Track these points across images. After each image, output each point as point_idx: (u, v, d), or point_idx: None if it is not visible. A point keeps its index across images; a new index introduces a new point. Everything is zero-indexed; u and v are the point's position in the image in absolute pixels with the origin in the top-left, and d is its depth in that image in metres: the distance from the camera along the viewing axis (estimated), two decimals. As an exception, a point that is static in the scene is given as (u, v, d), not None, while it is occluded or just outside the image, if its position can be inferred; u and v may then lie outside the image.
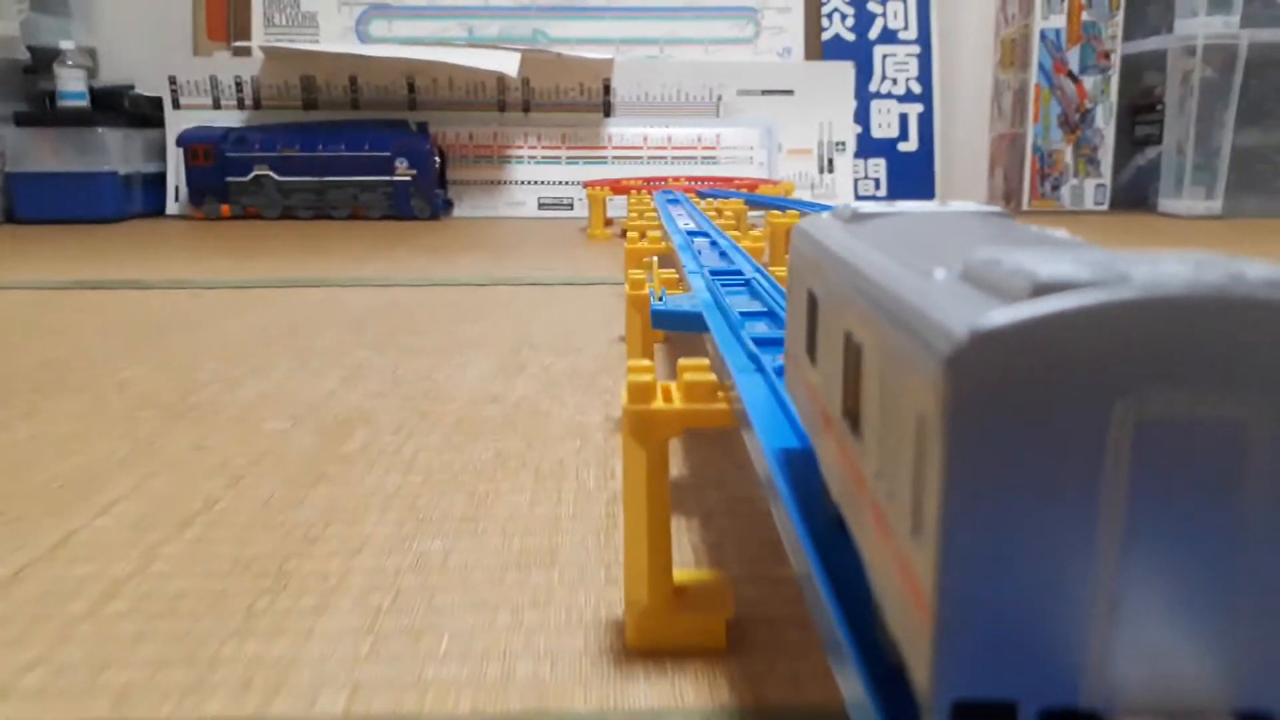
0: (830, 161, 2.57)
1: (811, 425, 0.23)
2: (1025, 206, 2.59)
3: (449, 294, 1.28)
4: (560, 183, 2.54)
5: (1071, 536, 0.12)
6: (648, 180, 2.24)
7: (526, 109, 2.56)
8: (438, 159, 2.44)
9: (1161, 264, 0.13)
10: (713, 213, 1.24)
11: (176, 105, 2.53)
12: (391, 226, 2.27)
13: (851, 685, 0.17)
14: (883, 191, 2.69)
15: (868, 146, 2.68)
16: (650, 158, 2.54)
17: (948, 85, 2.73)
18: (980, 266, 0.14)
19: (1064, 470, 0.12)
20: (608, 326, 1.06)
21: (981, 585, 0.12)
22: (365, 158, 2.37)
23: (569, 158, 2.55)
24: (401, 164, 2.37)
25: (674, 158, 2.54)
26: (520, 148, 2.55)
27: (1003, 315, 0.12)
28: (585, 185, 2.08)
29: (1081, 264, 0.13)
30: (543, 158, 2.55)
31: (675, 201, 1.50)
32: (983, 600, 0.12)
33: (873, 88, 2.70)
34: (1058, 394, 0.12)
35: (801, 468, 0.25)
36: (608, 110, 2.56)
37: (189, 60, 2.56)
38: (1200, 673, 0.12)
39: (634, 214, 1.31)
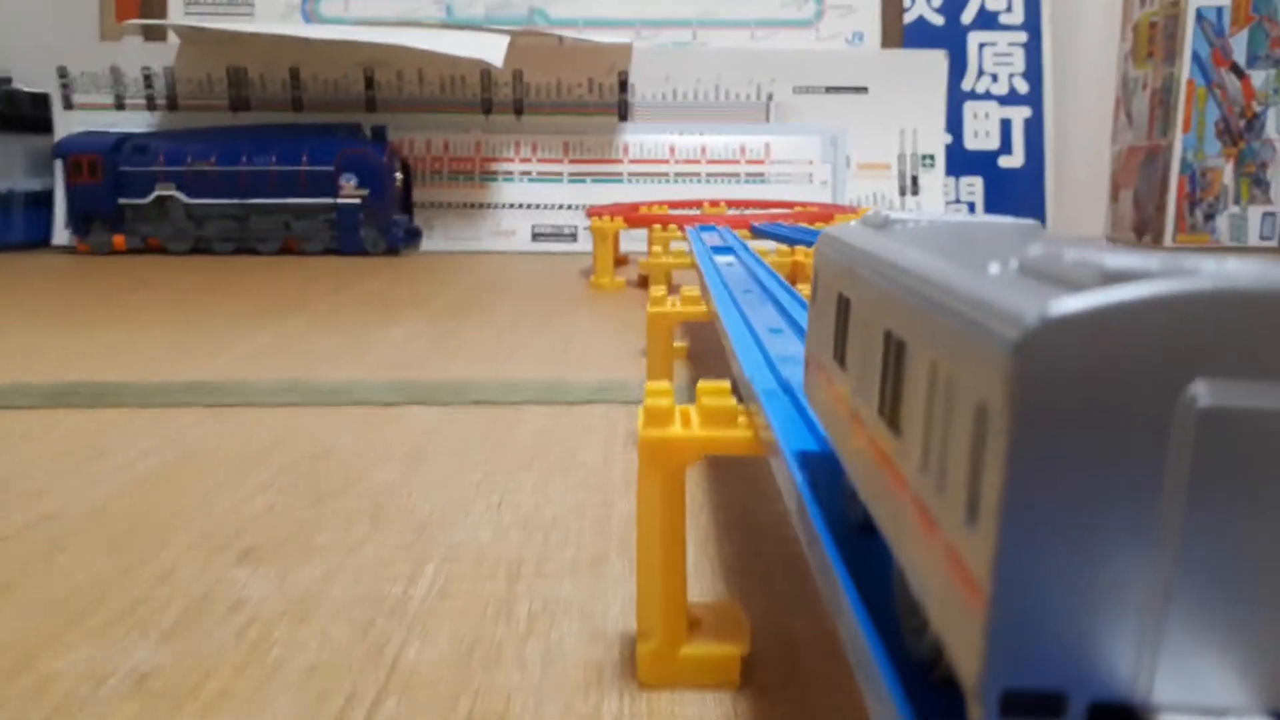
0: (914, 180, 1.97)
1: (837, 429, 0.23)
2: (1169, 240, 1.97)
3: (310, 422, 0.69)
4: (561, 206, 1.95)
5: (1130, 527, 0.12)
6: (675, 206, 1.65)
7: (519, 111, 1.97)
8: (399, 175, 1.86)
9: (1225, 261, 0.12)
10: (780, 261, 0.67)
11: (69, 105, 1.96)
12: (331, 266, 1.68)
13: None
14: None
15: (960, 161, 2.08)
16: (679, 175, 1.95)
17: (1063, 83, 2.12)
18: (1040, 260, 0.14)
19: (1126, 459, 0.12)
20: (605, 535, 0.46)
21: (1037, 573, 0.12)
22: (301, 174, 1.79)
23: (572, 175, 1.96)
24: (349, 181, 1.78)
25: (710, 175, 1.94)
26: (510, 161, 1.96)
27: (1074, 302, 0.12)
28: (590, 213, 1.49)
29: (1147, 257, 0.12)
30: (539, 174, 1.96)
31: (725, 250, 0.90)
32: (1037, 589, 0.12)
33: (966, 85, 2.09)
34: (1124, 383, 0.12)
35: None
36: (624, 112, 1.97)
37: (87, 47, 1.99)
38: (1254, 671, 0.12)
39: (657, 250, 0.73)
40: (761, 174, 1.94)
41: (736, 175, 1.94)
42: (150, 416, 0.71)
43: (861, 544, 0.21)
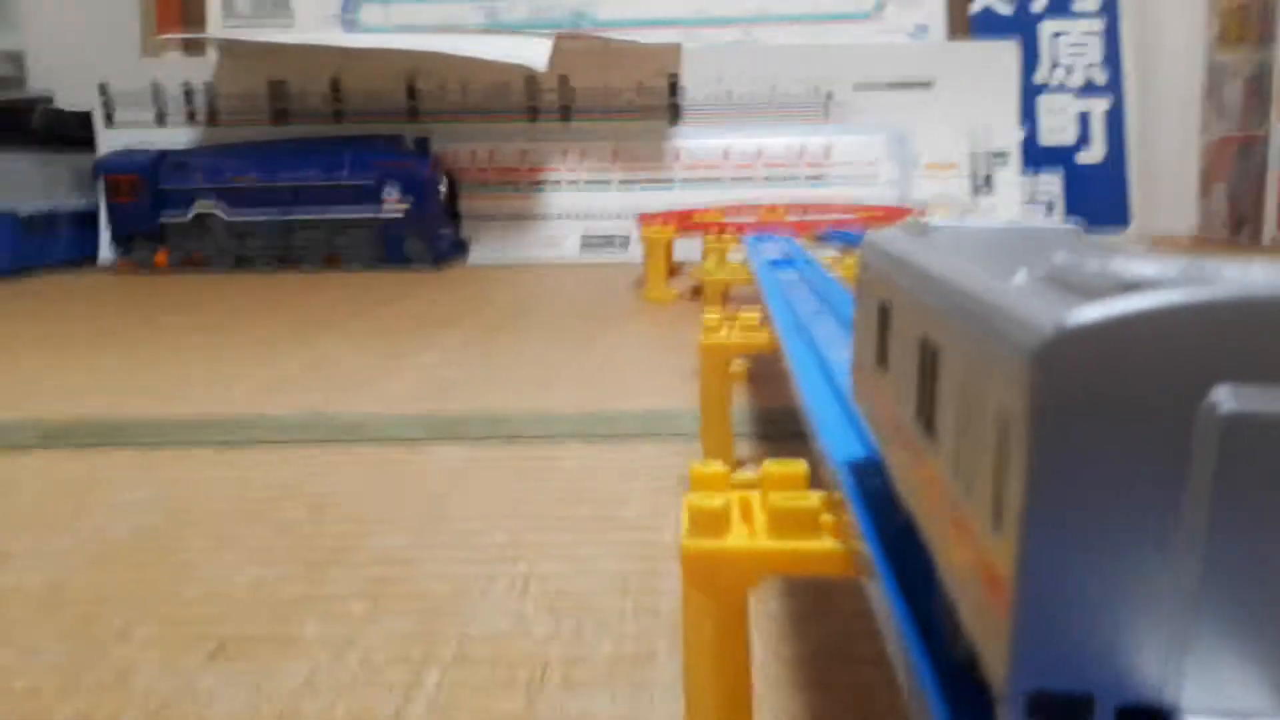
0: (987, 179, 1.84)
1: (881, 433, 0.23)
2: (1266, 239, 1.83)
3: (321, 465, 0.61)
4: (610, 215, 1.87)
5: (1154, 532, 0.12)
6: (731, 211, 1.55)
7: (565, 116, 1.89)
8: (443, 186, 1.79)
9: (1249, 268, 0.12)
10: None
11: (110, 122, 1.94)
12: (373, 281, 1.62)
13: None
14: (1058, 219, 1.94)
15: (1035, 157, 1.95)
16: (734, 180, 1.85)
17: (1145, 72, 1.99)
18: (1064, 268, 0.14)
19: (1148, 467, 0.12)
20: (653, 620, 0.37)
21: (1061, 578, 0.12)
22: (343, 188, 1.73)
23: (622, 181, 1.87)
24: (391, 193, 1.72)
25: (767, 178, 1.84)
26: (557, 170, 1.88)
27: (1090, 311, 0.12)
28: (641, 221, 1.40)
29: (1168, 265, 0.13)
30: (587, 182, 1.88)
31: (787, 264, 0.81)
32: (1062, 593, 0.12)
33: (1039, 78, 1.97)
34: (1143, 390, 0.12)
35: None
36: (675, 116, 1.88)
37: (128, 64, 1.96)
38: (1271, 674, 0.12)
39: (709, 266, 0.66)
40: (822, 176, 1.84)
41: (795, 178, 1.84)
42: (148, 460, 0.64)
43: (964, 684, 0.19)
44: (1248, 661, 0.12)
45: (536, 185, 1.88)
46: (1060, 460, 0.12)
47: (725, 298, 1.01)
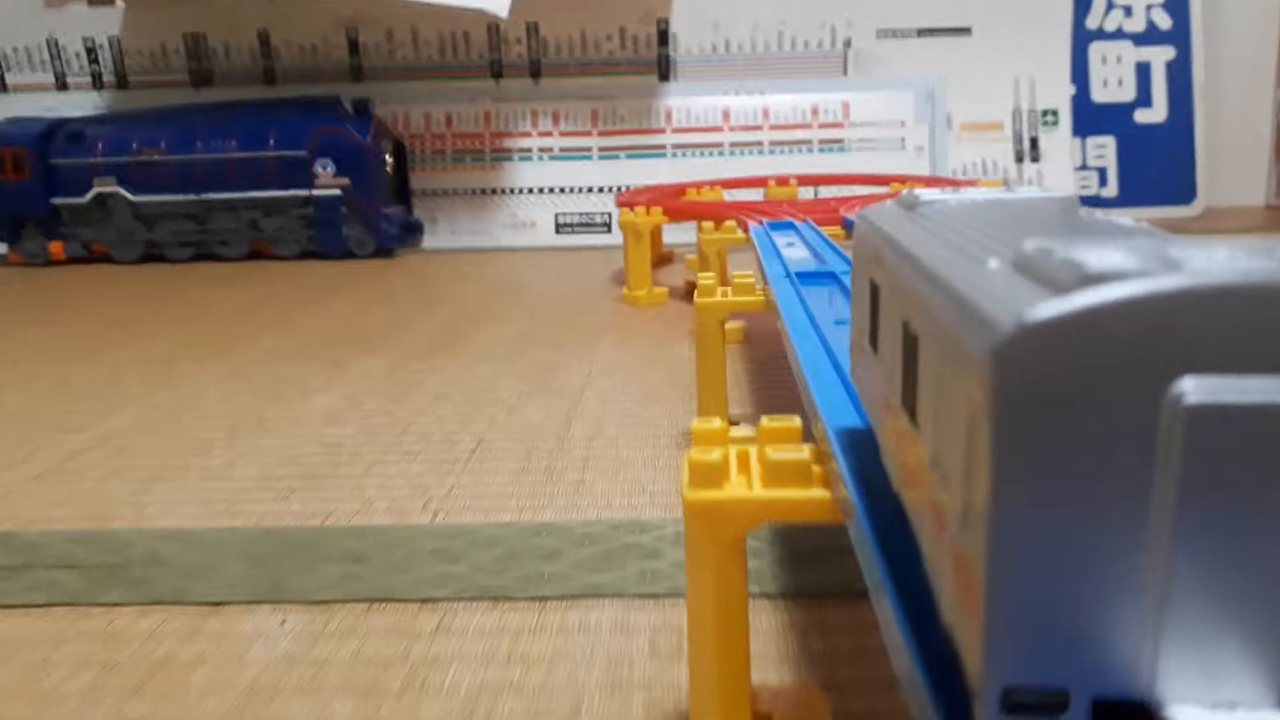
0: (1034, 143, 1.56)
1: (875, 414, 0.22)
2: (1363, 208, 1.55)
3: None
4: (590, 189, 1.59)
5: (1122, 526, 0.12)
6: (730, 185, 1.27)
7: (535, 73, 1.61)
8: (388, 157, 1.51)
9: (1215, 252, 0.12)
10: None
11: (3, 87, 1.65)
12: (304, 275, 1.34)
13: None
14: (1111, 190, 1.66)
15: (1086, 116, 1.66)
16: (735, 146, 1.57)
17: (1215, 16, 1.69)
18: (1031, 256, 0.14)
19: (1113, 461, 0.12)
20: None
21: (1031, 573, 0.12)
22: (268, 161, 1.45)
23: (604, 150, 1.59)
24: (326, 167, 1.44)
25: (775, 144, 1.56)
26: (527, 135, 1.60)
27: (1048, 308, 0.12)
28: (620, 203, 1.12)
29: (1133, 253, 0.13)
30: (563, 150, 1.59)
31: (817, 279, 0.54)
32: (1033, 588, 0.12)
33: (1091, 23, 1.67)
34: (1106, 384, 0.12)
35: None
36: (665, 71, 1.59)
37: (23, 18, 1.66)
38: (1251, 663, 0.12)
39: (707, 280, 0.47)
40: (840, 141, 1.55)
41: (808, 143, 1.56)
42: None
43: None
44: (1220, 650, 0.12)
45: (502, 155, 1.60)
46: (1023, 455, 0.12)
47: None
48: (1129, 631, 0.12)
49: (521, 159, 1.60)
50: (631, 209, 1.04)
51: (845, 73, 1.57)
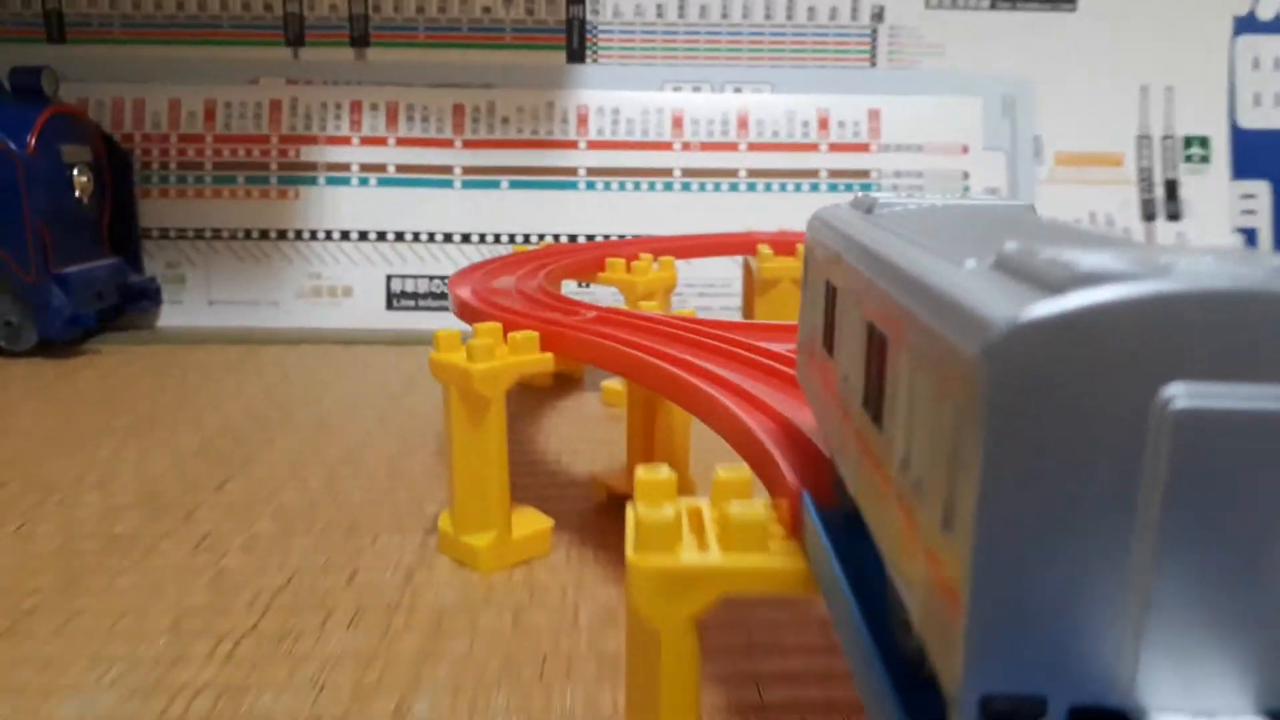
0: (1171, 189, 0.97)
1: (827, 418, 0.22)
2: None
3: None
4: (449, 237, 0.95)
5: (1107, 530, 0.12)
6: (686, 250, 0.65)
7: (360, 39, 0.96)
8: (79, 174, 0.85)
9: (1201, 257, 0.12)
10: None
11: None
12: None
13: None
14: (1270, 254, 1.07)
15: (1234, 148, 1.08)
16: (692, 175, 0.94)
17: None
18: (1015, 256, 0.14)
19: (1102, 463, 0.12)
20: None
21: (1014, 579, 0.12)
22: None
23: (474, 171, 0.95)
24: (-60, 188, 0.77)
25: (757, 174, 0.94)
26: (344, 142, 0.95)
27: (1043, 307, 0.11)
28: (454, 297, 0.48)
29: (1121, 256, 0.12)
30: (402, 169, 0.95)
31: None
32: (1014, 595, 0.12)
33: (1239, 6, 1.10)
34: (1097, 386, 0.12)
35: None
36: (578, 44, 0.96)
37: None
38: (1231, 670, 0.12)
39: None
40: (865, 173, 0.94)
41: (812, 175, 0.94)
42: None
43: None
44: (1206, 657, 0.12)
45: (300, 174, 0.95)
46: (1012, 458, 0.12)
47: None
48: (1109, 638, 0.12)
49: (332, 180, 0.95)
50: (478, 312, 0.42)
51: (874, 62, 0.96)
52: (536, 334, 0.41)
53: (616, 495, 0.48)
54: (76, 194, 0.85)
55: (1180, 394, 0.11)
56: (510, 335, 0.41)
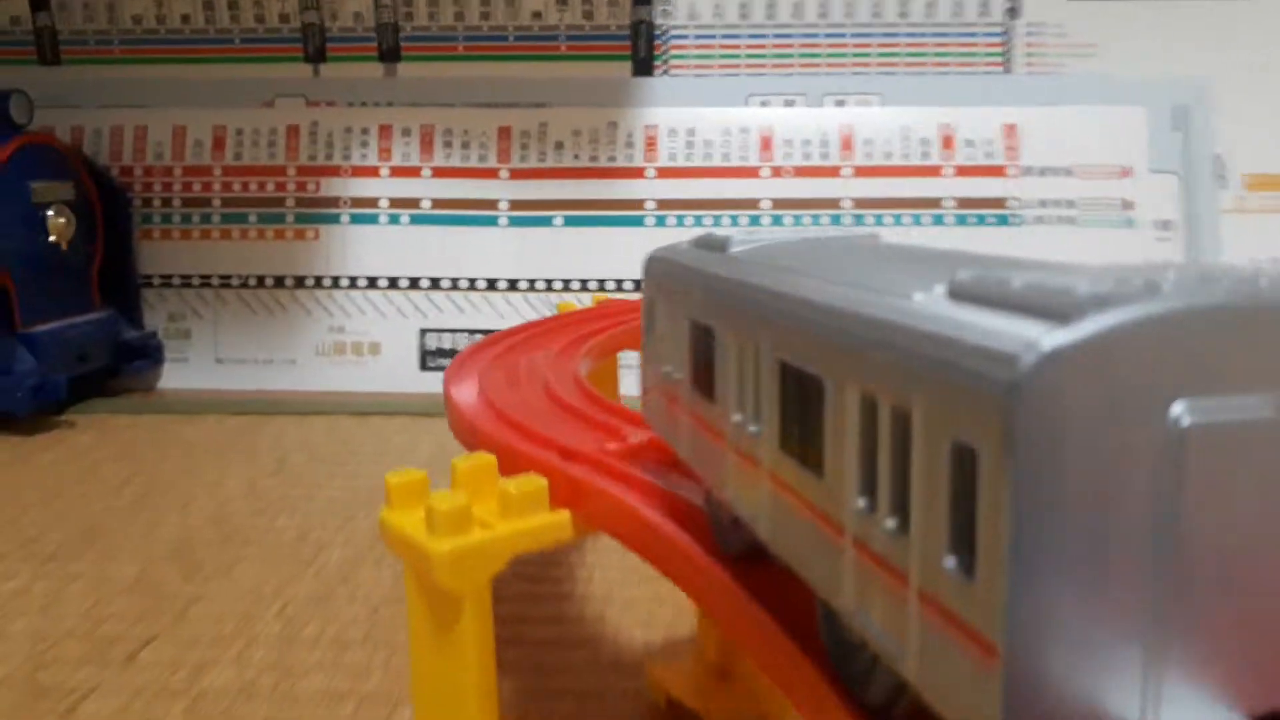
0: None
1: (704, 462, 0.21)
2: None
3: None
4: (494, 283, 0.80)
5: (1135, 562, 0.11)
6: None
7: (390, 55, 0.82)
8: (54, 215, 0.72)
9: (1185, 271, 0.12)
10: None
11: None
12: None
13: None
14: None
15: None
16: (781, 205, 0.78)
17: None
18: (976, 286, 0.13)
19: (1123, 489, 0.11)
20: None
21: (1048, 624, 0.12)
22: None
23: (522, 204, 0.80)
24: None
25: (864, 202, 0.77)
26: (371, 174, 0.81)
27: (1062, 335, 0.11)
28: (452, 408, 0.33)
29: (1102, 279, 0.12)
30: (439, 205, 0.81)
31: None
32: (1050, 640, 0.12)
33: None
34: (1113, 413, 0.11)
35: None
36: (645, 55, 0.81)
37: None
38: (1248, 701, 0.12)
39: None
40: (999, 202, 0.76)
41: (934, 204, 0.77)
42: None
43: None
44: (1224, 688, 0.12)
45: (321, 212, 0.81)
46: (1045, 494, 0.11)
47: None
48: (1135, 678, 0.12)
49: (358, 219, 0.81)
50: (477, 437, 0.28)
51: (1008, 67, 0.78)
52: (545, 482, 0.25)
53: (678, 709, 0.31)
54: (52, 238, 0.72)
55: (1187, 410, 0.11)
56: (503, 484, 0.25)
